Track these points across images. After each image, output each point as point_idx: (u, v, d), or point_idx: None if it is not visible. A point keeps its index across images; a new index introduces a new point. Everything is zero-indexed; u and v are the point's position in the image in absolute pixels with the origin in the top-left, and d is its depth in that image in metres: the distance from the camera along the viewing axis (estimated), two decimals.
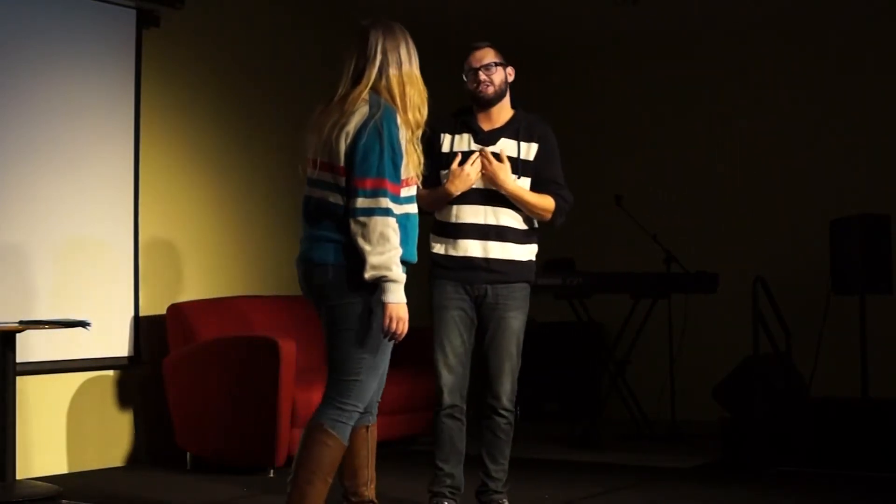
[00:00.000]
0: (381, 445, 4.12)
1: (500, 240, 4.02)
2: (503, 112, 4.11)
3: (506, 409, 4.03)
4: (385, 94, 3.34)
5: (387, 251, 3.22)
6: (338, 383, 3.32)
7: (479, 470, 4.11)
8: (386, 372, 3.51)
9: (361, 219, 3.23)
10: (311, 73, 6.91)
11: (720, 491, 4.92)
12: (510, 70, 4.14)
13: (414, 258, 3.43)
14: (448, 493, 4.06)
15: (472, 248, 4.01)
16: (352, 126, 3.28)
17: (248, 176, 6.49)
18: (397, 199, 3.31)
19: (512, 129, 4.09)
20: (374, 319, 3.28)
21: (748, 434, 5.61)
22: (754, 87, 7.51)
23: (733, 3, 6.97)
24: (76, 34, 5.52)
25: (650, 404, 6.80)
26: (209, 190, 6.27)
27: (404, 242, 3.34)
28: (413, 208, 3.43)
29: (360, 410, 3.36)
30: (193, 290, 6.05)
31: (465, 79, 4.09)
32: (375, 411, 3.69)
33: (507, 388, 4.02)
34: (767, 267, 6.75)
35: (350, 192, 3.26)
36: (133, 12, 5.76)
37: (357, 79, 3.36)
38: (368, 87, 3.34)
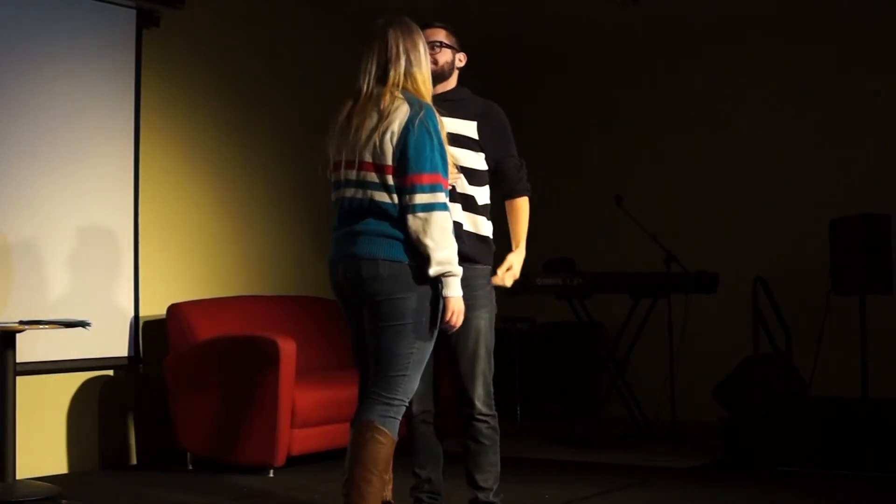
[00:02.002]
0: None
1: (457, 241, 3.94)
2: (444, 90, 3.97)
3: (482, 414, 3.86)
4: (412, 91, 3.38)
5: (449, 246, 3.29)
6: (385, 379, 3.33)
7: (467, 484, 3.92)
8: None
9: (422, 214, 3.26)
10: (311, 73, 6.92)
11: (720, 491, 4.92)
12: (461, 56, 4.02)
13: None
14: (426, 499, 3.98)
15: None
16: (396, 125, 3.31)
17: (247, 176, 6.49)
18: (448, 193, 3.36)
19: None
20: (424, 314, 3.31)
21: (748, 434, 5.61)
22: (754, 87, 7.51)
23: (734, 3, 6.97)
24: (76, 34, 5.52)
25: (650, 404, 6.80)
26: (209, 190, 6.27)
27: None
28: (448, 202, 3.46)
29: (406, 404, 3.37)
30: (193, 290, 6.05)
31: None
32: None
33: (479, 392, 3.85)
34: (767, 267, 6.75)
35: (405, 189, 3.29)
36: (133, 12, 5.76)
37: (381, 77, 3.38)
38: (399, 86, 3.36)
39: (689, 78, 7.77)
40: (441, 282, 3.31)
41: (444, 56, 3.96)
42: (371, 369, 3.38)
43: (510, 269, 3.97)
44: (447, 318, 3.34)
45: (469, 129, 3.92)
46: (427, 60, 3.46)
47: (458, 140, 3.88)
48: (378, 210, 3.33)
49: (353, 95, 3.42)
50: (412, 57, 3.40)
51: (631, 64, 8.01)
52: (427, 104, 3.36)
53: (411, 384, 3.37)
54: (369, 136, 3.33)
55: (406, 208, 3.28)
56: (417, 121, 3.29)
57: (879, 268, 5.71)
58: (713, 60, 7.68)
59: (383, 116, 3.32)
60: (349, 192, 3.40)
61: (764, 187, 7.43)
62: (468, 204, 3.89)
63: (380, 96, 3.35)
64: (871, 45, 7.10)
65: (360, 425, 3.31)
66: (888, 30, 7.01)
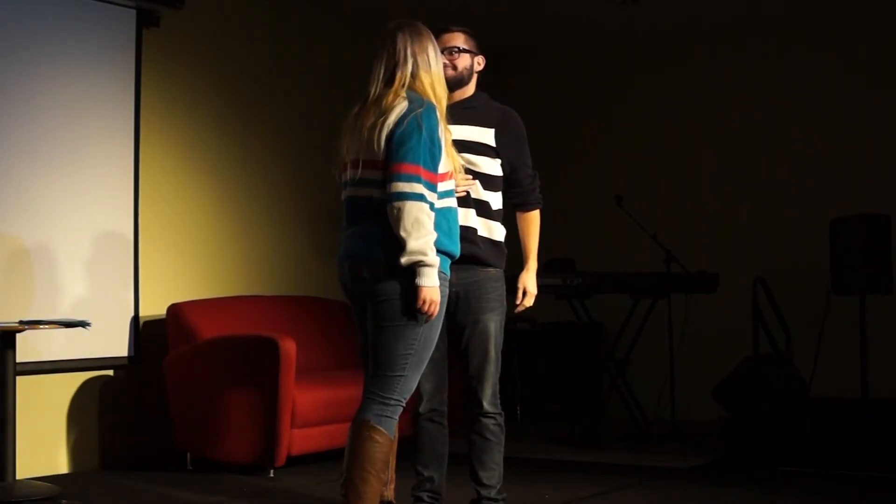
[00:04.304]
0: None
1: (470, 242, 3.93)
2: (463, 96, 3.99)
3: (489, 413, 3.92)
4: (418, 92, 3.40)
5: (423, 236, 3.27)
6: (382, 379, 3.35)
7: (470, 481, 3.95)
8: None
9: (396, 203, 3.27)
10: (311, 73, 6.92)
11: (720, 491, 4.93)
12: (479, 59, 4.03)
13: (457, 252, 3.48)
14: (427, 498, 3.98)
15: None
16: (392, 118, 3.32)
17: (248, 176, 6.49)
18: (433, 188, 3.35)
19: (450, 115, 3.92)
20: (422, 316, 3.33)
21: (748, 434, 5.61)
22: (754, 87, 7.51)
23: (734, 3, 6.97)
24: (76, 34, 5.52)
25: (650, 404, 6.80)
26: (209, 190, 6.27)
27: (448, 235, 3.40)
28: (454, 202, 3.48)
29: (403, 405, 3.39)
30: (193, 290, 6.05)
31: None
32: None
33: (487, 392, 3.91)
34: (767, 267, 6.75)
35: (386, 178, 3.31)
36: (133, 12, 5.76)
37: (389, 80, 3.41)
38: (405, 87, 3.39)
39: (689, 78, 7.77)
40: (416, 272, 3.29)
41: (463, 61, 3.97)
42: (369, 369, 3.41)
43: (526, 294, 4.00)
44: (418, 306, 3.30)
45: (486, 136, 3.94)
46: (438, 63, 3.47)
47: (475, 147, 3.91)
48: (378, 209, 3.34)
49: (363, 99, 3.45)
50: (419, 60, 3.42)
51: (631, 64, 8.00)
52: (429, 103, 3.37)
53: (409, 384, 3.38)
54: (369, 135, 3.36)
55: (387, 199, 3.30)
56: (412, 115, 3.31)
57: (879, 268, 5.71)
58: (713, 60, 7.68)
59: (382, 113, 3.35)
60: (352, 192, 3.43)
61: (764, 187, 7.43)
62: (482, 209, 3.91)
63: (384, 97, 3.38)
64: (871, 46, 7.10)
65: (357, 425, 3.33)
66: (888, 30, 7.02)
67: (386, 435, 3.32)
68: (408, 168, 3.28)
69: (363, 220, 3.39)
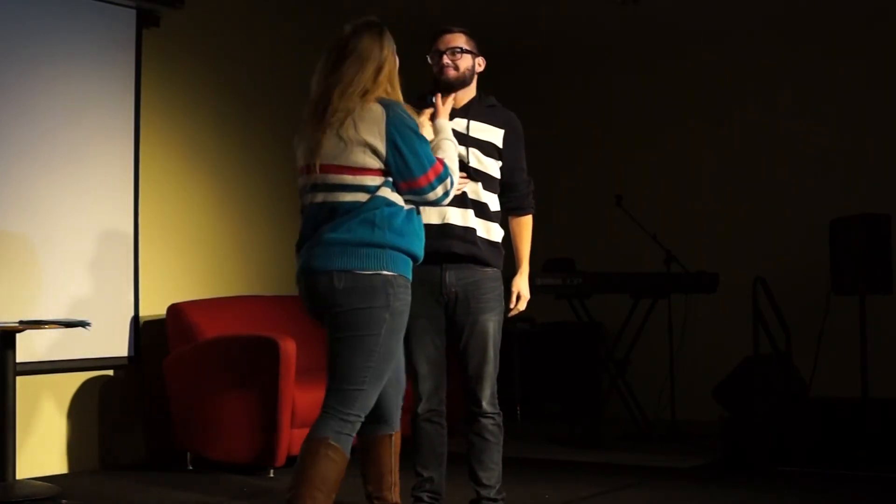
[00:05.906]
0: None
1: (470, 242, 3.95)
2: (466, 97, 3.98)
3: (488, 413, 3.91)
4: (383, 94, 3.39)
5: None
6: (341, 393, 3.25)
7: (470, 481, 3.95)
8: (403, 376, 3.64)
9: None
10: (311, 73, 6.89)
11: (720, 491, 4.93)
12: (480, 60, 4.02)
13: (422, 254, 3.44)
14: (427, 499, 3.98)
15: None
16: (374, 128, 3.31)
17: (247, 176, 6.49)
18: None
19: (473, 111, 3.97)
20: (383, 326, 3.25)
21: (748, 434, 5.61)
22: (755, 87, 7.51)
23: (734, 3, 6.97)
24: (76, 34, 5.52)
25: (650, 404, 6.80)
26: (209, 190, 6.27)
27: (415, 236, 3.38)
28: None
29: (363, 420, 3.29)
30: (193, 290, 6.05)
31: (429, 61, 3.96)
32: (398, 419, 3.69)
33: (486, 392, 3.90)
34: (767, 267, 6.75)
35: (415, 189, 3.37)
36: (133, 12, 5.76)
37: (346, 86, 3.49)
38: (368, 93, 3.39)
39: (688, 78, 7.77)
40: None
41: (465, 62, 3.96)
42: (327, 382, 3.30)
43: (521, 298, 4.03)
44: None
45: (497, 136, 3.95)
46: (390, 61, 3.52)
47: (486, 147, 3.91)
48: (345, 211, 3.33)
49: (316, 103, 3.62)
50: (376, 62, 3.60)
51: (631, 64, 8.00)
52: (391, 102, 3.40)
53: (369, 399, 3.28)
54: (342, 141, 3.47)
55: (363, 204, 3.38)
56: (392, 119, 3.37)
57: (879, 268, 5.70)
58: (713, 60, 7.68)
59: (353, 121, 3.44)
60: (314, 198, 3.48)
61: (764, 187, 7.43)
62: (481, 211, 3.91)
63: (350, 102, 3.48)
64: (870, 45, 7.10)
65: (314, 441, 3.21)
66: (888, 30, 7.01)
67: (343, 454, 3.20)
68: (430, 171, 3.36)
69: (317, 228, 3.37)
